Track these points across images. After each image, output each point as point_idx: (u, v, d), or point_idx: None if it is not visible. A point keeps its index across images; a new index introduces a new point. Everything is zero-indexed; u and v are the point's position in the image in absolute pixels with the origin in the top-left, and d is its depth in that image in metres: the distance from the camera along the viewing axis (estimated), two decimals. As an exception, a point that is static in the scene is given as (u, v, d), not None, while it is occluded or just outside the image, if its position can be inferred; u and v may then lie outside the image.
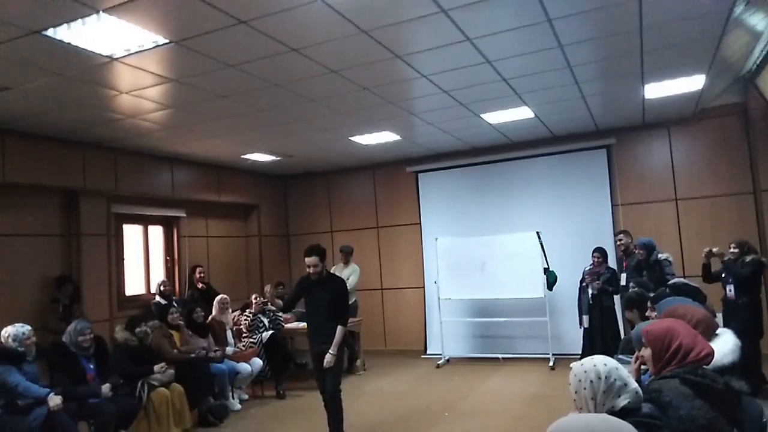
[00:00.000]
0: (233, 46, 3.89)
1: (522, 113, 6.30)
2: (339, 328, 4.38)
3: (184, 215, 8.02)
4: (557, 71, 4.96)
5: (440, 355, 7.74)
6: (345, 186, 9.37)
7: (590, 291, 6.23)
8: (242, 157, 7.81)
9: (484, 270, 7.42)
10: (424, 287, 8.49)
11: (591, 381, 1.79)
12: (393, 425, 5.16)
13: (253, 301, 6.89)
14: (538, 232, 7.11)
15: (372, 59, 4.33)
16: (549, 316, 7.04)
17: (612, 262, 6.60)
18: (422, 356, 8.18)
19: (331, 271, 7.60)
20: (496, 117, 6.40)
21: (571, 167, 7.70)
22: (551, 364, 7.00)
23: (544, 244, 7.07)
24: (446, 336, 7.75)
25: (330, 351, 4.35)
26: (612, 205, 7.48)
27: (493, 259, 7.41)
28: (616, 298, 6.24)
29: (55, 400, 4.05)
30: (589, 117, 6.82)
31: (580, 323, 6.34)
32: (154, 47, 3.79)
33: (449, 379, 6.79)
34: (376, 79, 4.83)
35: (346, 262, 7.70)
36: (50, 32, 3.44)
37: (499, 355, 7.51)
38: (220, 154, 7.60)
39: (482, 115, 6.32)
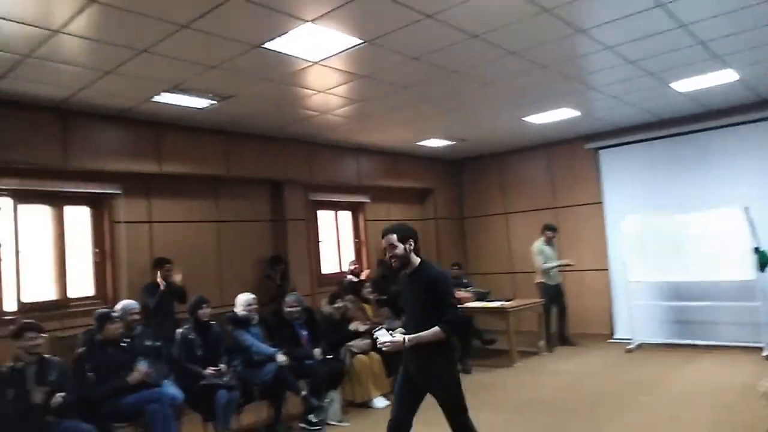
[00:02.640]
0: (418, 39, 4.15)
1: (722, 77, 5.67)
2: (434, 329, 3.03)
3: (369, 201, 8.68)
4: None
5: (630, 340, 7.35)
6: (518, 167, 9.29)
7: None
8: (418, 143, 8.20)
9: (679, 250, 6.86)
10: (608, 269, 8.11)
11: None
12: (584, 405, 5.10)
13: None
14: (746, 208, 6.37)
15: (553, 37, 4.30)
16: (762, 300, 6.29)
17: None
18: (609, 341, 7.85)
19: (536, 247, 7.70)
20: (689, 84, 5.85)
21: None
22: (766, 354, 6.25)
23: (753, 220, 6.32)
24: (636, 320, 7.33)
25: (406, 336, 3.11)
26: (843, 174, 6.39)
27: (689, 238, 6.81)
28: None
29: (281, 358, 4.84)
30: (811, 73, 5.89)
31: None
32: (350, 48, 4.22)
33: (642, 365, 6.45)
34: (555, 56, 4.76)
35: (550, 240, 7.66)
36: (268, 45, 4.03)
37: (699, 342, 6.90)
38: (398, 142, 8.07)
39: (672, 84, 5.84)
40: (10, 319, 5.00)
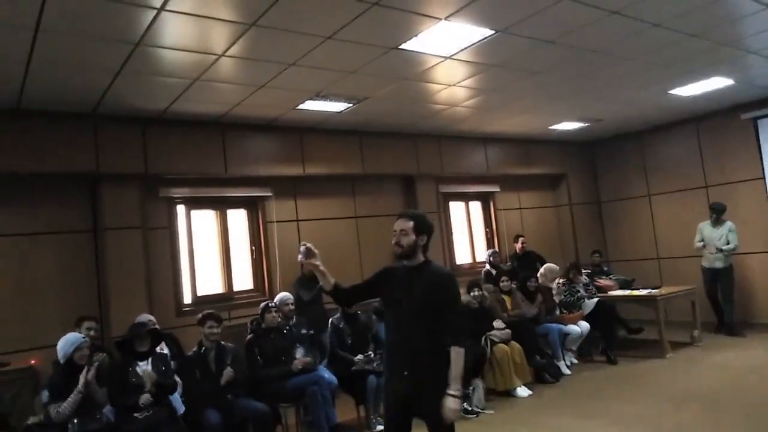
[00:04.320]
0: (554, 23, 4.06)
1: None
2: (454, 349, 2.59)
3: (498, 190, 8.60)
4: None
5: (805, 329, 6.58)
6: (662, 145, 8.63)
7: None
8: (550, 128, 7.96)
9: None
10: (776, 251, 7.30)
11: None
12: (749, 402, 4.65)
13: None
14: None
15: (703, 2, 3.97)
16: None
17: None
18: (780, 330, 7.08)
19: (698, 227, 7.15)
20: None
21: None
22: None
23: None
24: (811, 308, 6.53)
25: (449, 390, 2.53)
26: None
27: None
28: None
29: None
30: None
31: None
32: (482, 40, 4.24)
33: (823, 358, 5.76)
34: (706, 22, 4.39)
35: (718, 221, 7.13)
36: (404, 46, 4.19)
37: None
38: (527, 128, 7.89)
39: None
40: (188, 310, 5.74)
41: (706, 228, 7.19)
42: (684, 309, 6.98)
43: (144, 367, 3.93)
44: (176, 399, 4.19)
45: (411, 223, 2.76)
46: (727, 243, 6.99)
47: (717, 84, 6.29)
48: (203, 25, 3.56)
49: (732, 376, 5.46)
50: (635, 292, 6.88)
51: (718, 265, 7.10)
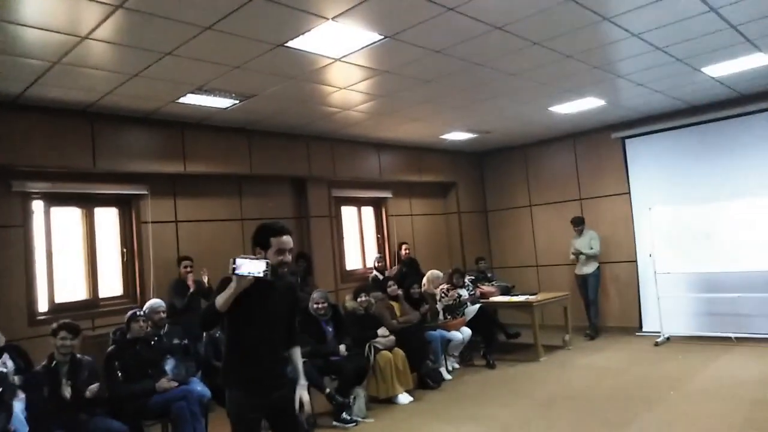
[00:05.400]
0: (440, 33, 4.10)
1: (755, 61, 5.50)
2: (296, 350, 2.82)
3: (391, 196, 8.66)
4: (804, 7, 4.25)
5: (658, 333, 7.22)
6: (543, 158, 9.17)
7: None
8: (441, 137, 8.14)
9: (710, 240, 6.71)
10: (636, 261, 7.97)
11: None
12: (611, 399, 5.03)
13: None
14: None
15: (578, 25, 4.21)
16: (796, 291, 6.12)
17: None
18: (637, 334, 7.73)
19: (577, 239, 7.86)
20: (720, 69, 5.70)
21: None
22: (800, 346, 6.10)
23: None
24: (665, 313, 7.19)
25: (300, 383, 2.73)
26: None
27: (721, 227, 6.66)
28: None
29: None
30: None
31: None
32: (371, 44, 4.19)
33: (671, 358, 6.33)
34: (580, 45, 4.67)
35: (581, 232, 7.94)
36: (290, 44, 4.03)
37: (732, 335, 6.74)
38: (420, 136, 8.01)
39: (703, 69, 5.68)
40: (43, 319, 5.15)
41: (575, 241, 7.95)
42: (559, 314, 7.44)
43: (-23, 386, 3.43)
44: (19, 419, 3.70)
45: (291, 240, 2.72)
46: (591, 249, 7.77)
47: (591, 104, 6.76)
48: (62, 2, 3.18)
49: (595, 376, 5.87)
50: (514, 299, 7.22)
51: (586, 271, 7.81)
